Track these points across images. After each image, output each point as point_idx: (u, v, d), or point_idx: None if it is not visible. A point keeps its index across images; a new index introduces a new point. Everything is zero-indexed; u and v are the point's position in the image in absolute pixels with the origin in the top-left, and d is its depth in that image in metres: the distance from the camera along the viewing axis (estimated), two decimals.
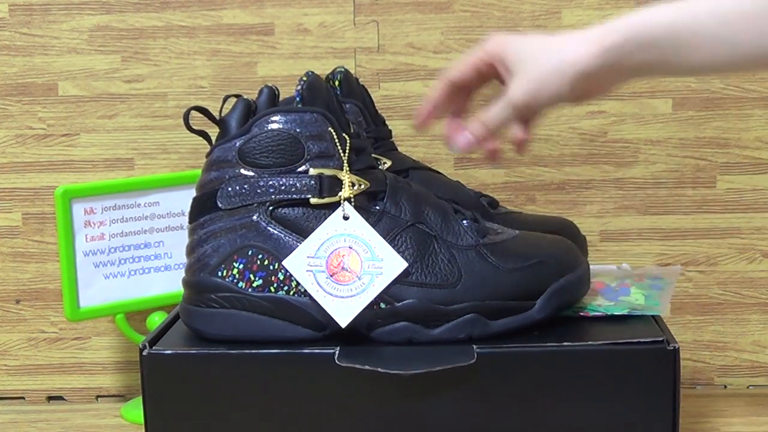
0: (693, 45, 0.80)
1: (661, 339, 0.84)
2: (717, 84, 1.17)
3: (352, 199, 0.86)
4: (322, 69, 1.12)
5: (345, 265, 0.85)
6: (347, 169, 0.87)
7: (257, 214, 0.87)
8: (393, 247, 0.86)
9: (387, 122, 1.10)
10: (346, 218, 0.86)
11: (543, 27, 1.17)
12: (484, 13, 1.17)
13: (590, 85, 0.83)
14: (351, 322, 0.84)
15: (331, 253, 0.85)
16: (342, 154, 0.87)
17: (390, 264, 0.85)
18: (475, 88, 0.91)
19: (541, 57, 0.83)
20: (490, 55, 0.86)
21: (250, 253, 0.86)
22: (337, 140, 0.87)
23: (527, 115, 0.86)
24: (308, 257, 0.85)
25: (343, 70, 1.05)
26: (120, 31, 1.18)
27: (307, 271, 0.85)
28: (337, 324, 0.85)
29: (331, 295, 0.85)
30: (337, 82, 1.04)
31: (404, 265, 0.85)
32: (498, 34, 0.88)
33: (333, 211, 0.86)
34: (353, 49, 1.18)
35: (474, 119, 0.88)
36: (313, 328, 0.86)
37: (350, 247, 0.85)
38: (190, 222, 0.90)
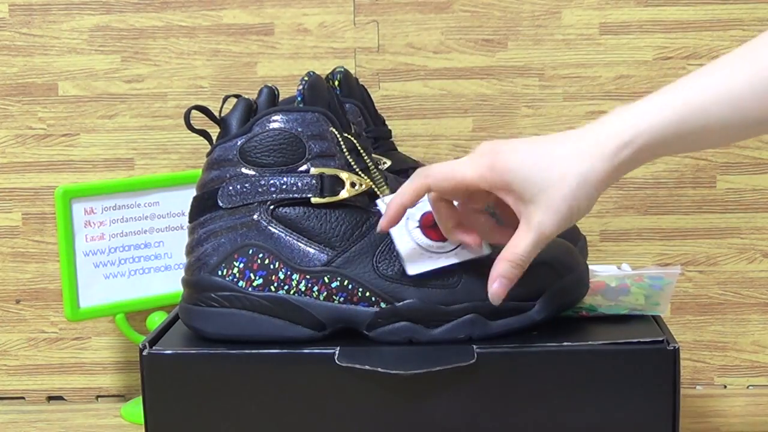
0: (703, 136, 0.77)
1: (661, 339, 0.84)
2: None
3: (381, 186, 0.87)
4: (322, 69, 1.12)
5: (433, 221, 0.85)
6: (349, 168, 0.87)
7: (258, 213, 0.87)
8: None
9: (387, 122, 1.10)
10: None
11: (543, 27, 1.17)
12: (484, 13, 1.17)
13: (605, 188, 0.79)
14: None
15: (426, 212, 0.85)
16: (343, 154, 0.87)
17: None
18: (474, 200, 0.84)
19: (558, 182, 0.77)
20: (488, 183, 0.79)
21: (250, 252, 0.86)
22: (338, 140, 0.87)
23: None
24: (412, 244, 0.85)
25: (343, 70, 1.05)
26: (120, 31, 1.18)
27: (426, 255, 0.85)
28: (341, 322, 0.85)
29: (414, 241, 0.84)
30: (337, 82, 1.04)
31: (488, 251, 0.85)
32: (485, 152, 0.80)
33: (347, 210, 0.87)
34: (353, 49, 1.18)
35: (503, 260, 0.80)
36: (314, 327, 0.86)
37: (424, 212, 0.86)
38: (190, 221, 0.90)
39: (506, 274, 0.81)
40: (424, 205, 0.85)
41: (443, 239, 0.85)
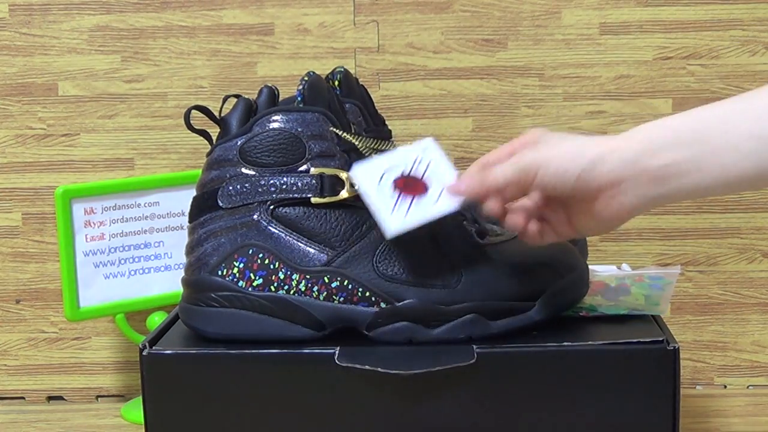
0: (725, 143, 0.75)
1: (661, 339, 0.84)
2: (717, 84, 1.17)
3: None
4: (322, 69, 1.12)
5: (413, 183, 0.84)
6: (349, 168, 0.87)
7: (258, 213, 0.87)
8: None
9: (387, 122, 1.10)
10: (425, 150, 0.86)
11: (543, 27, 1.17)
12: (484, 13, 1.17)
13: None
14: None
15: (401, 176, 0.85)
16: (343, 154, 0.87)
17: (445, 197, 0.84)
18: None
19: (575, 151, 0.79)
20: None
21: (250, 252, 0.86)
22: (338, 140, 0.87)
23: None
24: (380, 169, 0.84)
25: (342, 70, 1.05)
26: (120, 31, 1.18)
27: (372, 182, 0.84)
28: (341, 322, 0.85)
29: (396, 200, 0.84)
30: (336, 82, 1.04)
31: (454, 205, 0.84)
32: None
33: (348, 210, 0.86)
34: (353, 49, 1.18)
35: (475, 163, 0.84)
36: (313, 327, 0.86)
37: (420, 177, 0.85)
38: (190, 221, 0.90)
39: (475, 176, 0.82)
40: (399, 165, 0.85)
41: (424, 187, 0.84)
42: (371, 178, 0.84)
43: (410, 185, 0.84)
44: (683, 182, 0.76)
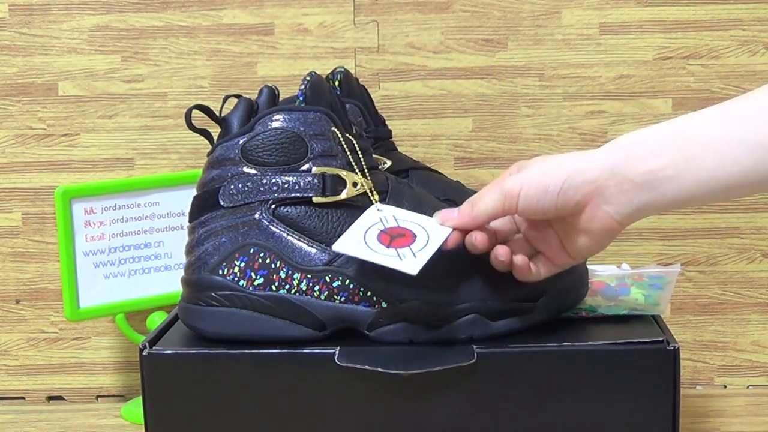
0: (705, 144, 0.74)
1: (661, 339, 0.84)
2: (717, 84, 1.17)
3: (375, 195, 0.87)
4: (322, 69, 1.12)
5: (397, 235, 0.84)
6: (350, 168, 0.87)
7: (259, 213, 0.87)
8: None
9: (387, 122, 1.10)
10: (379, 210, 0.86)
11: (543, 27, 1.17)
12: (484, 13, 1.17)
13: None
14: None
15: (380, 233, 0.85)
16: (345, 154, 0.87)
17: (436, 230, 0.84)
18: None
19: (556, 164, 0.80)
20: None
21: (251, 251, 0.86)
22: (340, 140, 0.87)
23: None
24: (359, 237, 0.84)
25: (343, 70, 1.05)
26: (120, 31, 1.18)
27: (362, 248, 0.83)
28: (342, 322, 0.85)
29: (394, 256, 0.83)
30: (337, 82, 1.04)
31: (448, 231, 0.84)
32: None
33: (348, 210, 0.86)
34: (353, 49, 1.18)
35: (466, 202, 0.84)
36: (314, 327, 0.86)
37: (396, 225, 0.85)
38: (190, 220, 0.90)
39: (463, 209, 0.83)
40: (374, 232, 0.85)
41: (411, 237, 0.84)
42: (359, 245, 0.84)
43: (396, 237, 0.85)
44: (667, 188, 0.75)
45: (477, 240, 0.82)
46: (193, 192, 0.90)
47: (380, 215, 0.86)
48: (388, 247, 0.84)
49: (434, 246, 0.83)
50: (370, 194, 0.87)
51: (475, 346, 0.84)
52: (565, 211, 0.79)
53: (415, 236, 0.84)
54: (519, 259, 0.83)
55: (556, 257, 0.84)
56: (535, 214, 0.80)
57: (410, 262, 0.82)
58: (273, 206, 0.87)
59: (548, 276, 0.85)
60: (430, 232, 0.84)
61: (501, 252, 0.83)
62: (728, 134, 0.74)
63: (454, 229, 0.84)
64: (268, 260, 0.86)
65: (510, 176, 0.81)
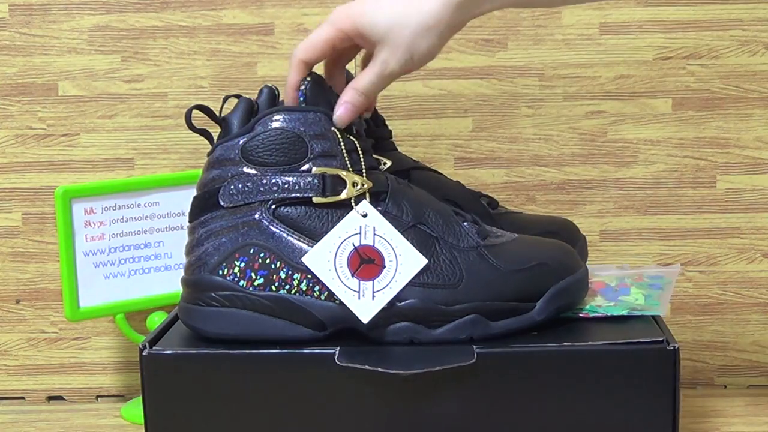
0: None
1: (661, 339, 0.84)
2: (717, 84, 1.17)
3: (367, 196, 0.87)
4: (322, 69, 1.12)
5: (367, 261, 0.85)
6: (350, 168, 0.87)
7: (260, 213, 0.87)
8: None
9: (387, 122, 1.10)
10: (364, 215, 0.86)
11: (543, 27, 1.17)
12: None
13: (450, 35, 0.87)
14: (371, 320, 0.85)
15: (353, 250, 0.85)
16: (345, 154, 0.87)
17: (409, 260, 0.85)
18: (341, 60, 0.93)
19: (402, 21, 0.85)
20: (344, 32, 0.88)
21: (251, 251, 0.86)
22: (340, 140, 0.87)
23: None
24: (329, 253, 0.85)
25: None
26: (120, 31, 1.18)
27: (329, 269, 0.84)
28: (342, 322, 0.85)
29: (353, 291, 0.84)
30: None
31: (423, 262, 0.85)
32: (341, 8, 0.89)
33: (348, 210, 0.86)
34: None
35: (350, 88, 0.88)
36: (314, 327, 0.86)
37: (372, 244, 0.85)
38: (190, 221, 0.90)
39: (351, 100, 0.88)
40: (346, 247, 0.85)
41: (378, 270, 0.85)
42: (326, 264, 0.85)
43: (365, 263, 0.85)
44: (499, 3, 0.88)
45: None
46: (193, 192, 0.90)
47: (362, 223, 0.86)
48: (353, 274, 0.84)
49: (397, 286, 0.84)
50: (367, 195, 0.88)
51: (475, 346, 0.84)
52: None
53: (383, 267, 0.85)
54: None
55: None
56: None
57: (366, 305, 0.84)
58: (273, 206, 0.87)
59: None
60: (401, 264, 0.85)
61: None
62: None
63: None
64: (268, 260, 0.86)
65: (379, 53, 0.87)
